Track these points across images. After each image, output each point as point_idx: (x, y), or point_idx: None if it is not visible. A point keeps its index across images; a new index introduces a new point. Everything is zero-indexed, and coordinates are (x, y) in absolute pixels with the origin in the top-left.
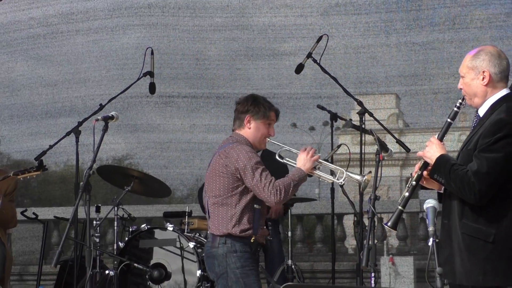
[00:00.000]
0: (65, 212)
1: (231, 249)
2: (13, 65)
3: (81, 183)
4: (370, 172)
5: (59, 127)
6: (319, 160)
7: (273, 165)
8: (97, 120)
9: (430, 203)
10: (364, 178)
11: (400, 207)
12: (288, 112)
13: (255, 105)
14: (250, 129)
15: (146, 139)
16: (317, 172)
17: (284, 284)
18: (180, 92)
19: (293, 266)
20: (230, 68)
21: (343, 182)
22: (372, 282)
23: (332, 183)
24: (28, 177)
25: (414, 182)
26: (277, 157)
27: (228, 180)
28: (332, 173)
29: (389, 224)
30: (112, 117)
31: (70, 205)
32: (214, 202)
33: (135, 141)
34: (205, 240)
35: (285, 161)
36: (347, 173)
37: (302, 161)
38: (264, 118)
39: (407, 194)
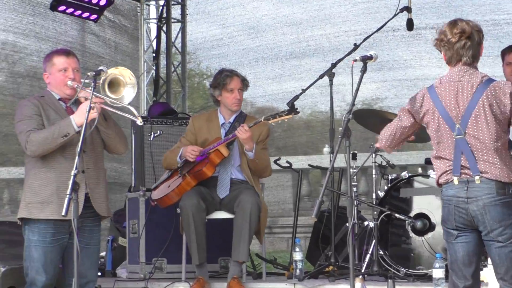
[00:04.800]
0: (311, 160)
1: None
2: (258, 5)
3: (340, 128)
4: None
5: (302, 69)
6: None
7: None
8: (355, 60)
9: None
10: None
11: None
12: None
13: None
14: None
15: (392, 77)
16: None
17: None
18: (428, 24)
19: None
20: None
21: None
22: None
23: None
24: (280, 121)
25: None
26: None
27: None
28: None
29: None
30: (371, 57)
31: (318, 153)
32: None
33: (380, 80)
34: None
35: None
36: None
37: None
38: None
39: None
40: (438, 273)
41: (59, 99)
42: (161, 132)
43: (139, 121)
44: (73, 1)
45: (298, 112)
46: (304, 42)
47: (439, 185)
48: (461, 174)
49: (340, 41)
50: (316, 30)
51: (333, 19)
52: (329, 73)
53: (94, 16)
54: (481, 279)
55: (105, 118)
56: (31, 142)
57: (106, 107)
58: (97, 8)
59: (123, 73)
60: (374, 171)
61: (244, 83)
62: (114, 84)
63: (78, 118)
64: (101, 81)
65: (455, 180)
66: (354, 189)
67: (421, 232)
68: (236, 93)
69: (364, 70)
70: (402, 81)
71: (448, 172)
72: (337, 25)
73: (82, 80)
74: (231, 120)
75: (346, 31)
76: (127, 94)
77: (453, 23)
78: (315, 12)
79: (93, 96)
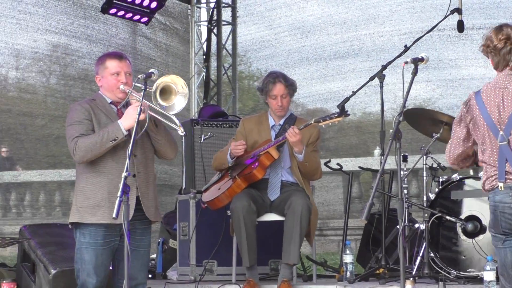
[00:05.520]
0: (362, 162)
1: None
2: (304, 5)
3: (390, 130)
4: None
5: (346, 68)
6: None
7: None
8: (406, 62)
9: None
10: None
11: None
12: None
13: None
14: None
15: (437, 77)
16: None
17: None
18: (475, 24)
19: None
20: None
21: None
22: None
23: None
24: (330, 124)
25: None
26: None
27: None
28: None
29: None
30: (422, 59)
31: (368, 155)
32: None
33: (424, 80)
34: None
35: None
36: None
37: None
38: None
39: None
40: (489, 275)
41: (111, 103)
42: (212, 135)
43: (181, 132)
44: (124, 4)
45: (349, 115)
46: (348, 42)
47: (485, 190)
48: (506, 180)
49: (384, 40)
50: (360, 29)
51: (377, 19)
52: (379, 75)
53: (145, 19)
54: None
55: (155, 124)
56: (79, 148)
57: (151, 113)
58: (148, 11)
59: (175, 81)
60: (425, 173)
61: (290, 88)
62: (166, 92)
63: (126, 121)
64: (153, 88)
65: (501, 186)
66: (405, 191)
67: (472, 235)
68: (279, 100)
69: (415, 72)
70: (447, 81)
71: (493, 178)
72: (381, 25)
73: (133, 84)
74: (281, 122)
75: (390, 31)
76: (178, 102)
77: (499, 29)
78: (359, 12)
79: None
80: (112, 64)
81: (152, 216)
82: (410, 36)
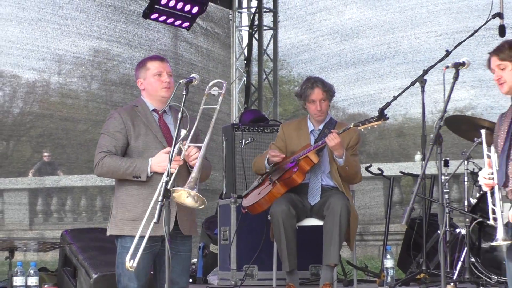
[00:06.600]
0: (403, 167)
1: None
2: (343, 9)
3: (431, 135)
4: None
5: (383, 71)
6: None
7: None
8: (447, 67)
9: None
10: None
11: None
12: None
13: None
14: None
15: (471, 77)
16: None
17: None
18: (508, 23)
19: None
20: None
21: None
22: None
23: None
24: (369, 127)
25: None
26: None
27: None
28: None
29: None
30: (463, 64)
31: (409, 160)
32: None
33: (459, 80)
34: None
35: None
36: None
37: None
38: None
39: None
40: None
41: (153, 110)
42: (252, 139)
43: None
44: (166, 9)
45: (388, 118)
46: (385, 45)
47: None
48: None
49: (421, 42)
50: (398, 32)
51: (414, 21)
52: (421, 80)
53: (186, 24)
54: None
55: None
56: (102, 166)
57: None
58: (190, 16)
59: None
60: (466, 178)
61: (328, 93)
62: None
63: (156, 166)
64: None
65: None
66: (446, 196)
67: None
68: (317, 105)
69: (456, 77)
70: (481, 82)
71: None
72: (418, 26)
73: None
74: (321, 127)
75: (427, 32)
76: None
77: None
78: (396, 14)
79: (189, 147)
80: (154, 65)
81: (186, 230)
82: (446, 37)
